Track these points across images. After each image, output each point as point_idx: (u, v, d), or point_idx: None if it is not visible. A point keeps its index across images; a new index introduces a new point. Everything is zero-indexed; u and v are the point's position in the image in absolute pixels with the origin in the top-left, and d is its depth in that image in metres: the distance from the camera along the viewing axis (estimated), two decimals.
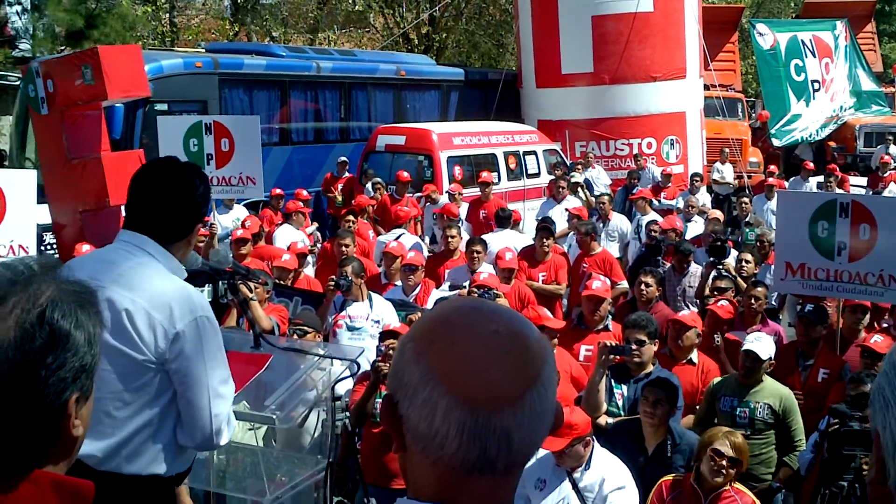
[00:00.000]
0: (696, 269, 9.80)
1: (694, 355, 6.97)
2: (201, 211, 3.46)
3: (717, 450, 5.07)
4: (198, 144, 10.14)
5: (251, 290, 5.23)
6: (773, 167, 20.12)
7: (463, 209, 13.62)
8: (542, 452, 5.14)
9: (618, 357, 6.30)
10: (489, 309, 1.55)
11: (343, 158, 16.71)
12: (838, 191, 15.19)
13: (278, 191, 13.84)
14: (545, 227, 10.68)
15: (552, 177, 16.23)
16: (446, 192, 14.34)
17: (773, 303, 9.64)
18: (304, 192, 13.73)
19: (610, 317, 7.81)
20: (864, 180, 19.99)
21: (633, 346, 6.36)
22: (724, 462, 5.05)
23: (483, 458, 1.42)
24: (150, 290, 3.22)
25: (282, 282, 8.86)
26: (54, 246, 10.93)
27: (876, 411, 1.59)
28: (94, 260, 3.49)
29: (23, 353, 1.61)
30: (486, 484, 1.44)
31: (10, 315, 1.62)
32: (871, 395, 1.61)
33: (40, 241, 10.14)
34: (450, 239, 10.39)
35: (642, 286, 8.45)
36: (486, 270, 9.10)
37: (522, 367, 1.45)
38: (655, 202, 14.78)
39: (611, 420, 6.21)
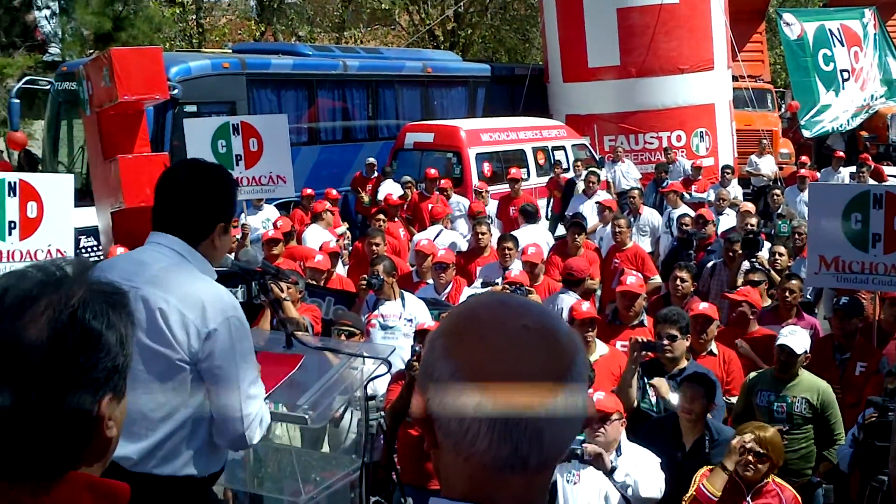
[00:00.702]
0: (747, 265, 9.64)
1: (713, 346, 6.91)
2: (225, 210, 3.46)
3: (743, 445, 5.05)
4: (226, 146, 10.18)
5: (282, 290, 5.24)
6: (804, 158, 19.94)
7: (492, 206, 13.61)
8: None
9: (650, 353, 6.26)
10: (518, 304, 1.54)
11: (371, 160, 16.71)
12: (871, 181, 15.03)
13: (309, 191, 13.86)
14: (577, 222, 10.62)
15: (552, 175, 16.27)
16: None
17: (809, 297, 9.51)
18: (334, 192, 13.75)
19: (644, 312, 7.76)
20: None
21: (666, 342, 6.32)
22: (750, 457, 5.03)
23: (514, 455, 1.41)
24: (183, 290, 3.23)
25: (314, 282, 8.88)
26: (90, 249, 11.02)
27: None
28: (126, 261, 3.51)
29: (55, 354, 1.61)
30: (518, 482, 1.43)
31: (43, 316, 1.62)
32: None
33: (77, 244, 10.22)
34: (480, 236, 10.36)
35: (677, 281, 8.36)
36: (517, 267, 9.07)
37: (552, 363, 1.43)
38: (686, 195, 14.68)
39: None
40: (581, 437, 5.05)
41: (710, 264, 9.81)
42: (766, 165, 20.32)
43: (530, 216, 11.69)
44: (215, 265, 3.49)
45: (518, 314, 1.48)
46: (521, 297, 1.62)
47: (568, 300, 8.24)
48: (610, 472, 5.08)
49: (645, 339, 6.30)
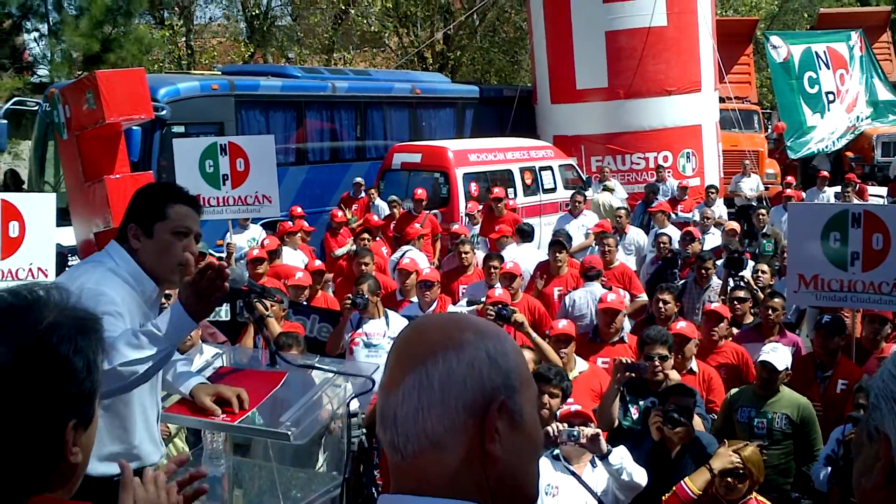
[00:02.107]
0: (717, 282, 9.75)
1: (693, 364, 6.96)
2: (135, 215, 3.73)
3: (724, 466, 5.06)
4: (213, 165, 10.21)
5: (267, 309, 5.27)
6: (790, 178, 20.05)
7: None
8: (545, 460, 5.18)
9: (632, 374, 6.30)
10: (438, 315, 1.74)
11: (359, 179, 16.75)
12: (855, 200, 15.12)
13: (299, 210, 13.91)
14: (558, 241, 10.64)
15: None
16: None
17: (790, 317, 9.56)
18: (298, 209, 13.77)
19: (626, 329, 7.81)
20: (883, 189, 19.85)
21: (656, 362, 6.34)
22: (728, 479, 5.04)
23: (386, 442, 1.55)
24: (65, 275, 3.57)
25: (297, 300, 8.91)
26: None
27: (884, 414, 1.54)
28: (72, 267, 3.89)
29: (18, 378, 1.62)
30: (409, 469, 1.53)
31: (8, 340, 1.63)
32: (874, 398, 1.56)
33: (64, 263, 10.23)
34: (463, 255, 10.41)
35: (660, 303, 8.41)
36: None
37: (407, 354, 1.56)
38: (672, 215, 14.77)
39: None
40: (574, 430, 5.11)
41: (681, 283, 9.91)
42: (749, 186, 20.45)
43: (526, 235, 11.73)
44: (159, 266, 3.71)
45: (421, 318, 1.71)
46: (458, 314, 1.74)
47: (597, 291, 9.11)
48: (605, 456, 5.12)
49: (629, 360, 6.33)
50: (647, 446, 5.71)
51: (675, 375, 6.52)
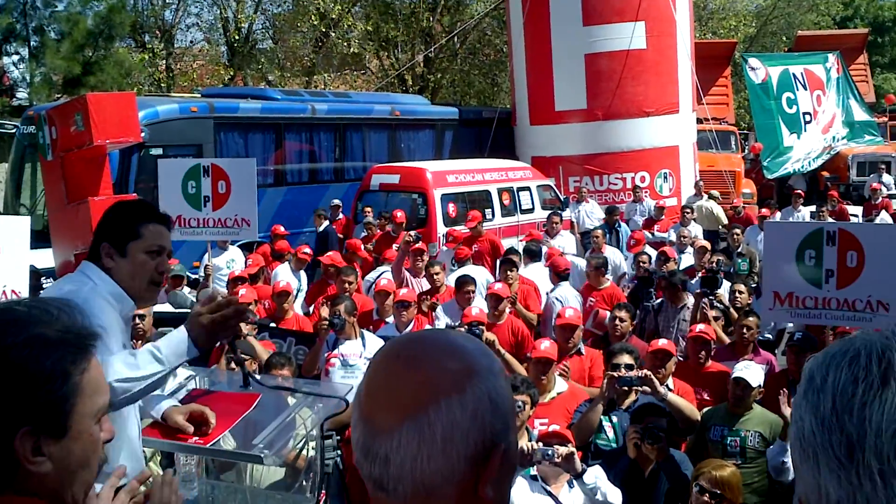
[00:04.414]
0: (692, 302, 9.81)
1: (670, 381, 6.99)
2: (107, 234, 3.74)
3: (700, 486, 5.06)
4: (195, 187, 10.22)
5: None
6: (768, 204, 20.21)
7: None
8: (522, 481, 5.20)
9: (624, 388, 6.33)
10: (421, 337, 1.60)
11: (336, 202, 16.78)
12: (830, 220, 15.24)
13: (281, 229, 13.92)
14: (508, 259, 10.80)
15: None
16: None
17: (769, 335, 9.62)
18: (281, 229, 13.81)
19: (582, 343, 8.00)
20: (859, 209, 20.03)
21: (622, 370, 6.39)
22: (705, 498, 5.04)
23: (370, 476, 1.45)
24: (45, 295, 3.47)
25: (277, 315, 8.97)
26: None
27: (807, 459, 1.30)
28: (49, 287, 3.93)
29: None
30: (388, 502, 1.45)
31: None
32: (791, 437, 1.35)
33: (39, 286, 10.21)
34: (434, 276, 10.45)
35: (616, 321, 8.47)
36: (480, 304, 9.14)
37: (403, 395, 1.44)
38: (649, 235, 14.84)
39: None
40: (548, 449, 5.14)
41: (657, 302, 9.98)
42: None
43: (534, 255, 11.75)
44: (132, 285, 3.72)
45: (404, 345, 1.54)
46: (442, 332, 1.65)
47: (565, 292, 9.81)
48: (579, 475, 5.14)
49: (619, 374, 6.35)
50: (622, 465, 5.73)
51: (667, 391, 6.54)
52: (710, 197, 18.30)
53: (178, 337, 3.46)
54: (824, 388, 1.27)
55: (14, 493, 1.70)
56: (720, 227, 14.91)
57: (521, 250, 12.38)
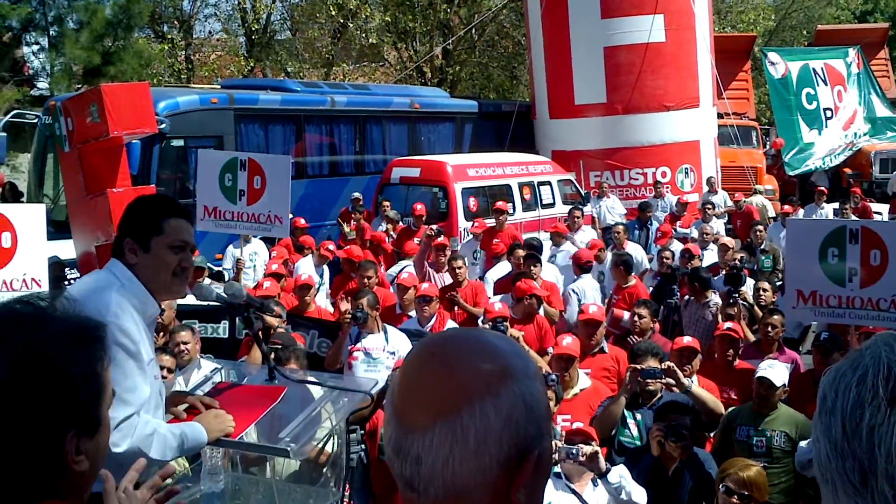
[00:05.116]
0: (717, 299, 9.76)
1: (695, 378, 6.96)
2: (130, 230, 3.72)
3: (727, 487, 5.03)
4: (232, 180, 10.24)
5: (264, 323, 5.27)
6: (791, 201, 20.13)
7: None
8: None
9: (647, 381, 6.31)
10: (456, 336, 1.58)
11: (357, 195, 16.78)
12: (853, 217, 15.15)
13: (302, 221, 13.93)
14: (532, 254, 10.81)
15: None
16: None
17: (793, 333, 9.55)
18: (302, 221, 13.83)
19: (605, 340, 7.97)
20: (883, 206, 19.83)
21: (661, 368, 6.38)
22: (734, 500, 5.00)
23: (401, 475, 1.44)
24: (77, 296, 3.46)
25: (301, 309, 9.01)
26: (75, 282, 11.03)
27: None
28: (77, 284, 3.86)
29: (16, 393, 1.63)
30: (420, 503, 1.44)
31: (4, 355, 1.65)
32: (813, 457, 1.32)
33: (63, 276, 10.24)
34: (457, 270, 10.42)
35: (636, 317, 8.44)
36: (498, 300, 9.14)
37: (436, 395, 1.43)
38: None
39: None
40: (573, 447, 5.13)
41: (686, 298, 9.94)
42: (717, 203, 20.48)
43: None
44: (157, 280, 3.69)
45: (439, 343, 1.53)
46: (475, 331, 1.62)
47: (584, 284, 10.15)
48: (604, 474, 5.13)
49: (642, 367, 6.34)
50: (646, 463, 5.71)
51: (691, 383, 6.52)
52: (756, 192, 18.37)
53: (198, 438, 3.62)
54: (834, 410, 1.26)
55: (59, 497, 1.71)
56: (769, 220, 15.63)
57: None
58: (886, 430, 1.20)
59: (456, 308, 9.98)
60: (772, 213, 18.12)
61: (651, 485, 5.44)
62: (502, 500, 1.43)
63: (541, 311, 9.19)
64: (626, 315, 9.44)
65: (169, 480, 2.60)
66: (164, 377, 5.98)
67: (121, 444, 3.35)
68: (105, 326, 1.84)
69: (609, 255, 11.72)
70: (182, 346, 7.11)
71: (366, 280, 9.59)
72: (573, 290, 10.40)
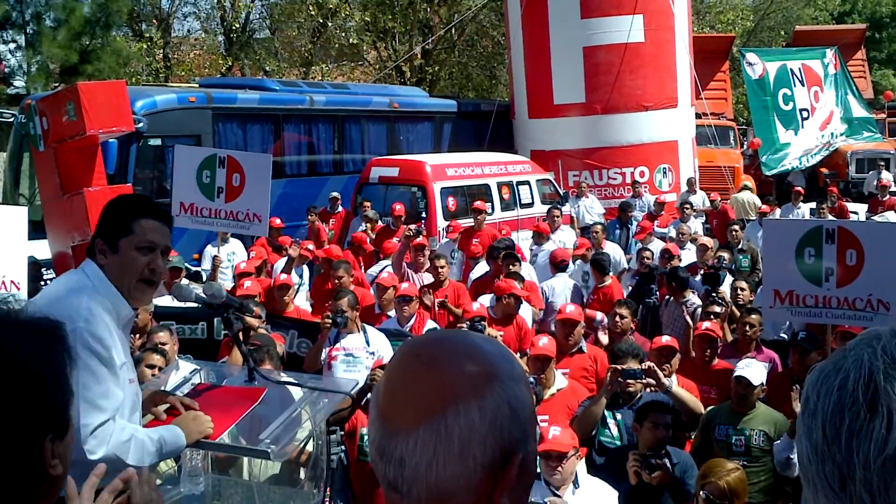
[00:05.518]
0: (695, 299, 9.79)
1: (674, 378, 6.98)
2: (103, 231, 3.66)
3: (706, 496, 5.00)
4: (210, 177, 10.16)
5: (244, 323, 5.24)
6: (768, 201, 20.25)
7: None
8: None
9: (628, 381, 6.32)
10: (442, 337, 1.58)
11: (335, 194, 16.73)
12: (830, 217, 15.24)
13: (277, 221, 13.86)
14: (510, 254, 10.72)
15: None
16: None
17: (784, 335, 9.52)
18: (277, 221, 13.74)
19: (584, 340, 7.94)
20: (860, 206, 19.93)
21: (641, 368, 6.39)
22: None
23: (384, 477, 1.44)
24: (46, 299, 3.51)
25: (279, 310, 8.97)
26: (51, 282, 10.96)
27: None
28: (50, 286, 3.84)
29: None
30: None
31: None
32: (797, 457, 1.33)
33: (40, 276, 10.15)
34: (439, 269, 10.40)
35: (617, 317, 8.46)
36: (483, 301, 9.14)
37: (421, 396, 1.42)
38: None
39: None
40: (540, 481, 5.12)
41: (666, 297, 9.98)
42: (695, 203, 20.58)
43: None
44: (122, 283, 3.60)
45: (425, 344, 1.53)
46: (460, 332, 1.60)
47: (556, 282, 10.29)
48: (668, 390, 5.12)
49: (622, 368, 6.35)
50: (627, 486, 5.70)
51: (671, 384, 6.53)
52: (745, 188, 18.81)
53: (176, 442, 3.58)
54: (816, 413, 1.26)
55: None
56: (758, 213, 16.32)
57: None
58: (865, 436, 1.19)
59: (437, 308, 9.96)
60: (705, 207, 18.45)
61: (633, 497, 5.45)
62: (486, 503, 1.42)
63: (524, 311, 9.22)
64: (599, 315, 9.49)
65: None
66: (153, 375, 5.96)
67: (97, 451, 3.29)
68: (65, 325, 1.82)
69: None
70: (160, 347, 7.07)
71: (338, 280, 9.54)
72: (543, 289, 10.46)
